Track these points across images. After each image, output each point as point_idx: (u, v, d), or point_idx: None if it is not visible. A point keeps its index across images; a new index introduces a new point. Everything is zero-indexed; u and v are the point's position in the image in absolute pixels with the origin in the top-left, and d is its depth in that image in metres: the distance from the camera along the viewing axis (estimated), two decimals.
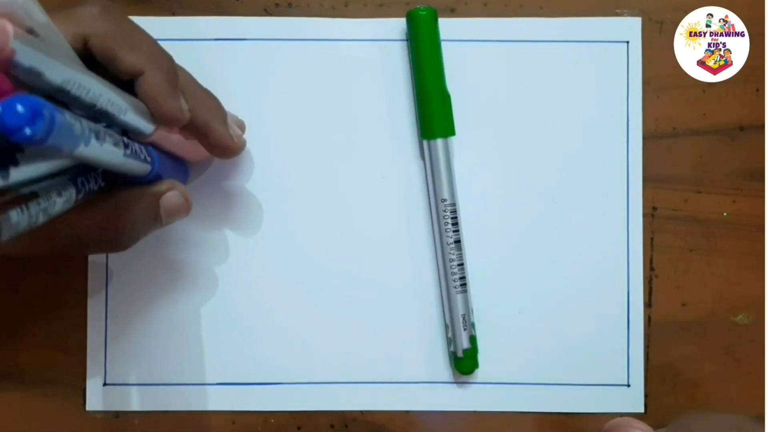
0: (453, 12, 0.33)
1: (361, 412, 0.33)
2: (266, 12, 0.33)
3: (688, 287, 0.34)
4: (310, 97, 0.33)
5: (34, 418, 0.33)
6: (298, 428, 0.33)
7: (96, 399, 0.33)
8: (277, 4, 0.33)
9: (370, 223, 0.33)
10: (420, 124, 0.33)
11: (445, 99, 0.32)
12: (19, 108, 0.16)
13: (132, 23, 0.25)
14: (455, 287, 0.32)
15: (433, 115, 0.32)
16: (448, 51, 0.32)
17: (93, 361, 0.33)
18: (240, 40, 0.33)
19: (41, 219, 0.20)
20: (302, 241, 0.33)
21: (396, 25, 0.33)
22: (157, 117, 0.25)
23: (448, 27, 0.33)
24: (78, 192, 0.23)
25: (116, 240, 0.25)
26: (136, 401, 0.33)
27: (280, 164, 0.33)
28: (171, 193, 0.26)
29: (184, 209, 0.27)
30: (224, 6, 0.33)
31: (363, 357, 0.33)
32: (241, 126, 0.32)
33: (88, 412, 0.33)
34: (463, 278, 0.32)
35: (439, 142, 0.32)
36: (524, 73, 0.33)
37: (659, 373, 0.33)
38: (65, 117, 0.18)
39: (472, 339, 0.32)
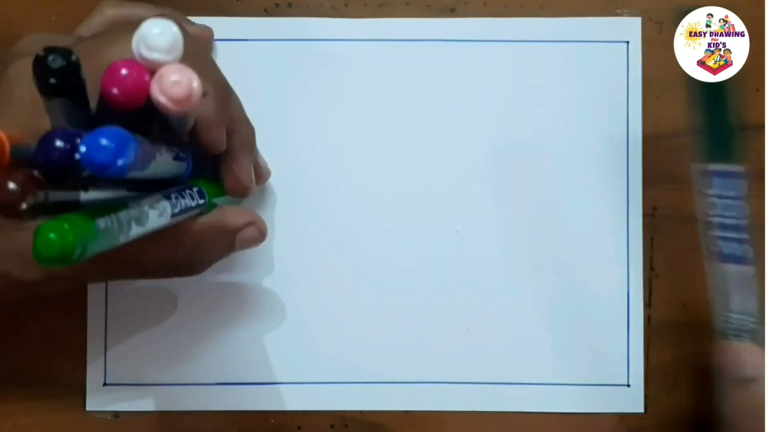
0: (453, 12, 0.33)
1: (361, 412, 0.33)
2: (266, 12, 0.33)
3: (688, 287, 0.34)
4: (310, 97, 0.33)
5: (34, 418, 0.33)
6: (298, 428, 0.33)
7: (96, 399, 0.33)
8: (277, 4, 0.33)
9: (370, 224, 0.33)
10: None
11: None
12: (105, 142, 0.16)
13: (200, 45, 0.25)
14: None
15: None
16: (448, 51, 0.32)
17: (93, 361, 0.33)
18: (240, 40, 0.33)
19: (135, 229, 0.20)
20: (302, 240, 0.33)
21: (396, 25, 0.33)
22: (199, 139, 0.25)
23: (448, 27, 0.33)
24: (173, 207, 0.23)
25: (193, 271, 0.26)
26: (136, 401, 0.33)
27: (279, 165, 0.33)
28: (248, 229, 0.26)
29: (257, 241, 0.27)
30: (224, 6, 0.33)
31: (363, 357, 0.33)
32: (264, 173, 0.32)
33: (88, 412, 0.33)
34: None
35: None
36: (524, 73, 0.33)
37: (659, 373, 0.33)
38: (143, 143, 0.18)
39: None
